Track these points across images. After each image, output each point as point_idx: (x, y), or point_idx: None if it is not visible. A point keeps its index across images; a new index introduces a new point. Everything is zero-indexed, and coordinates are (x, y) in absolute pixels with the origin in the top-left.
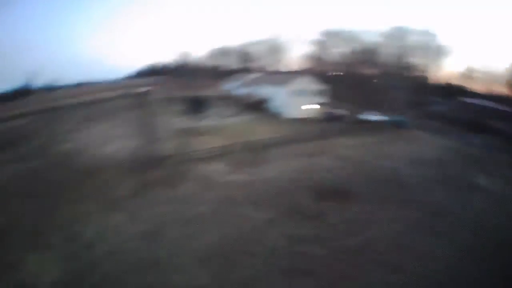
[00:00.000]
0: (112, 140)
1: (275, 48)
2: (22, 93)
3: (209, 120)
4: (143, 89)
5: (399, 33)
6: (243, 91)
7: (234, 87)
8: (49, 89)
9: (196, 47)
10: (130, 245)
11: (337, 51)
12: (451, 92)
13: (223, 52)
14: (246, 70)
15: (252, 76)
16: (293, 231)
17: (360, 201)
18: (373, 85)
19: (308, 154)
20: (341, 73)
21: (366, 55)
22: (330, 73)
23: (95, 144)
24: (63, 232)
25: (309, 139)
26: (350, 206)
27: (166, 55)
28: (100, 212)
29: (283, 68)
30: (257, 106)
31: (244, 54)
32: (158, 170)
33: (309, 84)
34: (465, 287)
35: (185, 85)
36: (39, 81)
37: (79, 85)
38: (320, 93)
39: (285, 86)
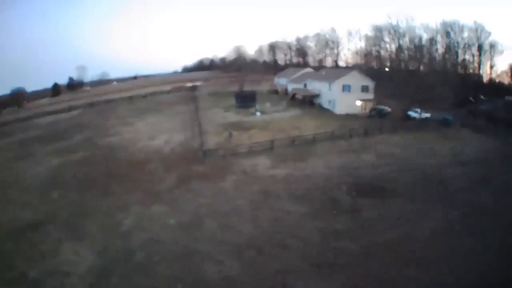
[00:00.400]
0: (159, 133)
1: (327, 43)
2: (72, 86)
3: (258, 114)
4: (193, 84)
5: (450, 29)
6: (293, 86)
7: (285, 82)
8: (98, 83)
9: (249, 41)
10: (167, 235)
11: (387, 46)
12: (499, 90)
13: (275, 47)
14: (297, 65)
15: (303, 71)
16: (327, 225)
17: (399, 198)
18: (421, 82)
19: (353, 150)
20: (390, 69)
21: (416, 51)
22: (378, 69)
23: (142, 137)
24: (101, 222)
25: (355, 135)
26: (387, 203)
27: (218, 50)
28: (140, 203)
29: (334, 63)
30: (307, 101)
31: (296, 49)
32: (202, 163)
33: (358, 80)
34: None
35: (236, 80)
36: (88, 76)
37: (127, 80)
38: (368, 89)
39: (334, 82)
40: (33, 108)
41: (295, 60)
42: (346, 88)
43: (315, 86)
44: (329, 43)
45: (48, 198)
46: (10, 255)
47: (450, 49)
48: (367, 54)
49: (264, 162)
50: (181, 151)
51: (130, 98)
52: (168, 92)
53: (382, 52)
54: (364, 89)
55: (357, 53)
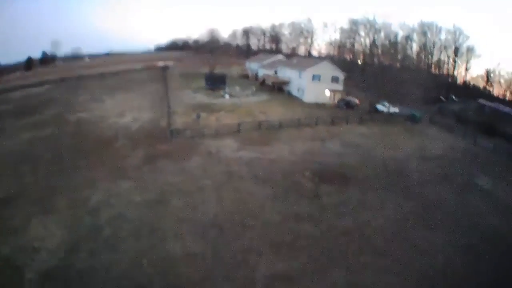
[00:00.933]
0: (128, 111)
1: (302, 32)
2: (45, 61)
3: (227, 97)
4: (165, 63)
5: (427, 29)
6: (264, 71)
7: (256, 67)
8: (71, 59)
9: (223, 25)
10: (134, 212)
11: (362, 40)
12: (470, 92)
13: (251, 32)
14: (270, 51)
15: (275, 57)
16: (289, 209)
17: (359, 187)
18: (392, 77)
19: (318, 138)
20: (362, 62)
21: (390, 47)
22: (351, 61)
23: (111, 114)
24: (69, 197)
25: (321, 124)
26: (348, 191)
27: (192, 31)
28: (108, 179)
29: (307, 52)
30: (276, 88)
31: (270, 36)
32: (169, 142)
33: (329, 70)
34: (448, 280)
35: (208, 62)
36: (62, 51)
37: (99, 56)
38: (338, 80)
39: (305, 70)
40: (5, 82)
41: (268, 46)
42: (316, 78)
43: (285, 73)
44: (303, 32)
45: (18, 173)
46: None
47: (425, 48)
48: (340, 46)
49: (231, 144)
50: (149, 129)
51: (102, 75)
52: (140, 70)
53: (356, 46)
54: (334, 79)
55: (330, 44)
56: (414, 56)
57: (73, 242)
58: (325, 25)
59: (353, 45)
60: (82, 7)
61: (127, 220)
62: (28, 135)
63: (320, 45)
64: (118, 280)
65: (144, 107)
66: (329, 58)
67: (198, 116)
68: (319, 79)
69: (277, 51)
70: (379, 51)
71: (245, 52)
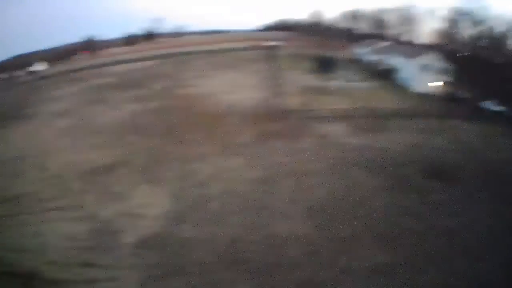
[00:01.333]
0: (237, 89)
1: (407, 18)
2: (149, 37)
3: (336, 81)
4: (273, 43)
5: None
6: (373, 57)
7: (365, 52)
8: (174, 35)
9: (330, 7)
10: (243, 189)
11: (467, 32)
12: None
13: (356, 16)
14: (377, 37)
15: (383, 44)
16: (395, 202)
17: (466, 187)
18: (499, 74)
19: (427, 130)
20: (468, 55)
21: (496, 41)
22: (457, 53)
23: (220, 91)
24: (178, 169)
25: (429, 116)
26: (454, 190)
27: (298, 12)
28: (218, 154)
29: (413, 39)
30: (385, 75)
31: (376, 20)
32: (280, 122)
33: (437, 60)
34: None
35: (316, 44)
36: (164, 27)
37: (208, 33)
38: (447, 71)
39: (414, 59)
40: (107, 55)
41: (374, 31)
42: (423, 67)
43: (394, 60)
44: (408, 19)
45: (123, 142)
46: (79, 196)
47: None
48: (446, 35)
49: (342, 129)
50: (260, 108)
51: (210, 51)
52: (248, 49)
53: (459, 36)
54: (442, 71)
55: (435, 32)
56: None
57: (178, 212)
58: (430, 12)
59: (455, 35)
60: None
61: (235, 195)
62: (135, 107)
63: (425, 32)
64: (220, 254)
65: (253, 86)
66: (437, 47)
67: (311, 99)
68: (427, 69)
69: (382, 36)
70: (483, 43)
71: (352, 35)
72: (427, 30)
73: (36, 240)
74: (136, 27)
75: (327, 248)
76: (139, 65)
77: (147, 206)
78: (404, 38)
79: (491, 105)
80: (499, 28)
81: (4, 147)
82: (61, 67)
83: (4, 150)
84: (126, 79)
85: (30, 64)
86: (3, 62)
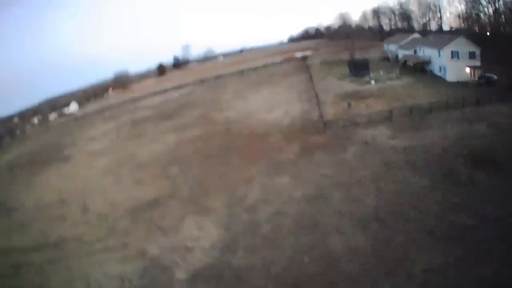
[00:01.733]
0: (275, 106)
1: (429, 6)
2: (179, 64)
3: (372, 83)
4: (303, 53)
5: None
6: (403, 52)
7: (394, 48)
8: (204, 60)
9: (352, 7)
10: (292, 208)
11: (485, 10)
12: None
13: (379, 12)
14: (404, 30)
15: (411, 36)
16: (446, 198)
17: (508, 173)
18: None
19: (466, 120)
20: (490, 34)
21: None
22: (479, 33)
23: (257, 110)
24: (224, 196)
25: (466, 104)
26: (500, 177)
27: (322, 18)
28: (263, 175)
29: (438, 27)
30: (419, 68)
31: (399, 13)
32: (321, 134)
33: (465, 46)
34: None
35: (345, 48)
36: (193, 53)
37: (233, 54)
38: (475, 55)
39: (443, 48)
40: (140, 89)
41: (399, 25)
42: (454, 55)
43: (425, 52)
44: (431, 7)
45: (166, 174)
46: (125, 234)
47: None
48: (467, 18)
49: (384, 132)
50: (300, 122)
51: (241, 72)
52: (279, 63)
53: (482, 16)
54: (472, 55)
55: (459, 16)
56: None
57: (229, 240)
58: None
59: (478, 15)
60: (209, 7)
61: (286, 215)
62: (174, 137)
63: (449, 18)
64: (277, 279)
65: (291, 100)
66: (462, 32)
67: (349, 105)
68: (458, 56)
69: (409, 29)
70: (503, 19)
71: (379, 33)
72: (450, 15)
73: (85, 284)
74: (166, 56)
75: (384, 258)
76: (173, 94)
77: (197, 238)
78: (430, 26)
79: None
80: None
81: (45, 190)
82: (94, 105)
83: (45, 193)
84: (161, 111)
85: (64, 106)
86: (36, 105)
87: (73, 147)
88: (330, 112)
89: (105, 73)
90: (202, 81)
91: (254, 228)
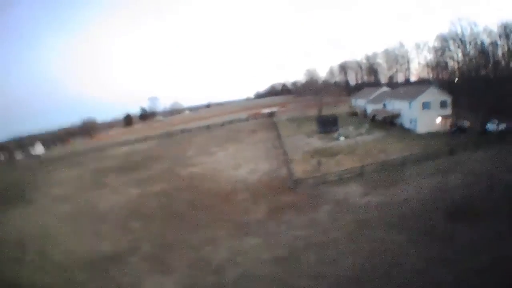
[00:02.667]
0: (242, 163)
1: (396, 59)
2: (144, 116)
3: (342, 139)
4: (270, 109)
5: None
6: (372, 106)
7: (363, 103)
8: (171, 113)
9: (318, 63)
10: (263, 270)
11: (454, 56)
12: None
13: (346, 67)
14: (370, 84)
15: (380, 90)
16: (426, 254)
17: (488, 221)
18: (495, 91)
19: (441, 171)
20: (459, 79)
21: (480, 57)
22: (448, 80)
23: (225, 167)
24: (189, 256)
25: (440, 156)
26: (477, 226)
27: (288, 74)
28: (231, 236)
29: (405, 78)
30: (388, 122)
31: (366, 68)
32: (291, 193)
33: (436, 95)
34: None
35: (313, 103)
36: (160, 106)
37: (200, 108)
38: (447, 104)
39: (415, 99)
40: (105, 138)
41: (366, 79)
42: (426, 106)
43: (394, 105)
44: (398, 59)
45: (128, 229)
46: None
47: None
48: (436, 66)
49: (356, 189)
50: (268, 181)
51: (207, 127)
52: (246, 119)
53: (450, 63)
54: (443, 104)
55: (427, 65)
56: (505, 62)
57: None
58: (418, 47)
59: (446, 63)
60: (177, 62)
61: (255, 278)
62: (137, 191)
63: (417, 68)
64: None
65: (259, 157)
66: (428, 81)
67: (319, 163)
68: (429, 107)
69: (376, 82)
70: (473, 63)
71: (345, 88)
72: (418, 66)
73: None
74: (133, 107)
75: None
76: (138, 146)
77: None
78: (397, 78)
79: (495, 125)
80: (483, 42)
81: (4, 230)
82: (60, 149)
83: (4, 234)
84: (126, 162)
85: (29, 146)
86: (2, 142)
87: (37, 191)
88: (299, 170)
89: (72, 118)
90: (168, 134)
91: None
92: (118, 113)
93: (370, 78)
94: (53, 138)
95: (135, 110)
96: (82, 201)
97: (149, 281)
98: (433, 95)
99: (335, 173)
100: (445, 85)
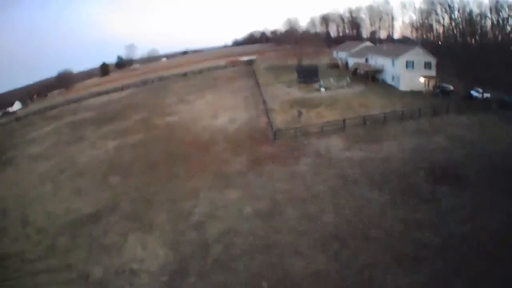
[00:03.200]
0: (221, 112)
1: (380, 15)
2: (121, 65)
3: (322, 91)
4: (248, 58)
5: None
6: (354, 60)
7: (345, 55)
8: (148, 61)
9: (299, 13)
10: (244, 225)
11: (440, 19)
12: None
13: (328, 19)
14: (352, 38)
15: (363, 45)
16: (408, 215)
17: (472, 187)
18: (480, 60)
19: (424, 132)
20: (444, 43)
21: (467, 25)
22: (432, 42)
23: (203, 116)
24: (169, 210)
25: (423, 115)
26: (462, 192)
27: (268, 22)
28: (211, 188)
29: (388, 36)
30: (369, 77)
31: (349, 21)
32: (272, 144)
33: (421, 56)
34: None
35: (293, 53)
36: (137, 53)
37: (177, 56)
38: (431, 65)
39: (398, 58)
40: (83, 89)
41: (347, 32)
42: (409, 65)
43: (377, 61)
44: (382, 15)
45: (107, 185)
46: (67, 253)
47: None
48: (420, 27)
49: (337, 143)
50: (248, 131)
51: (184, 74)
52: (224, 67)
53: (436, 26)
54: (427, 65)
55: (412, 25)
56: (492, 32)
57: (178, 262)
58: (404, 6)
59: (431, 25)
60: (155, 8)
61: (238, 234)
62: (115, 143)
63: (401, 27)
64: None
65: (237, 106)
66: (413, 41)
67: (300, 114)
68: (412, 66)
69: (357, 36)
70: (457, 30)
71: (325, 40)
72: (402, 24)
73: None
74: (110, 55)
75: (350, 282)
76: (114, 96)
77: (142, 259)
78: (380, 35)
79: (479, 93)
80: (472, 12)
81: None
82: (37, 105)
83: None
84: (102, 113)
85: (8, 105)
86: None
87: (14, 150)
88: (279, 120)
89: (50, 71)
90: (144, 83)
91: (204, 249)
92: (95, 63)
93: (352, 32)
94: (30, 94)
95: (112, 59)
96: (60, 158)
97: (132, 241)
98: (418, 55)
99: (316, 125)
100: (429, 47)
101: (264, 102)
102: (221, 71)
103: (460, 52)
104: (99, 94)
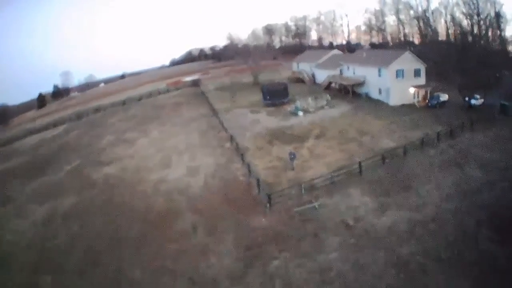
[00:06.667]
0: (175, 156)
1: (331, 21)
2: (58, 94)
3: (301, 114)
4: (192, 78)
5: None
6: (324, 72)
7: (308, 67)
8: (85, 87)
9: (239, 27)
10: None
11: (388, 20)
12: None
13: (271, 29)
14: (297, 47)
15: (330, 53)
16: None
17: None
18: (464, 60)
19: (451, 163)
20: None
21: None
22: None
23: (151, 164)
24: None
25: (442, 137)
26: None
27: (207, 39)
28: None
29: (346, 41)
30: (348, 91)
31: (293, 30)
32: (267, 212)
33: (411, 62)
34: None
35: (241, 69)
36: (74, 81)
37: (115, 79)
38: (420, 73)
39: (388, 67)
40: (17, 125)
41: (291, 41)
42: (399, 74)
43: (356, 72)
44: (332, 22)
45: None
46: None
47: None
48: (371, 30)
49: (363, 200)
50: (221, 188)
51: (123, 103)
52: (166, 90)
53: (385, 27)
54: (416, 73)
55: (363, 28)
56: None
57: None
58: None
59: (382, 27)
60: (88, 35)
61: None
62: (44, 210)
63: (350, 31)
64: None
65: (195, 146)
66: (358, 44)
67: (293, 157)
68: (403, 75)
69: (301, 45)
70: (408, 29)
71: (271, 51)
72: (351, 28)
73: None
74: (47, 85)
75: None
76: (47, 133)
77: None
78: (325, 42)
79: (478, 100)
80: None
81: None
82: None
83: None
84: (32, 159)
85: None
86: None
87: None
88: (261, 167)
89: None
90: (79, 117)
91: None
92: (33, 94)
93: (296, 40)
94: None
95: (50, 88)
96: None
97: None
98: (408, 62)
99: (318, 171)
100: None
101: (232, 138)
102: (164, 95)
103: (444, 54)
104: (32, 132)
